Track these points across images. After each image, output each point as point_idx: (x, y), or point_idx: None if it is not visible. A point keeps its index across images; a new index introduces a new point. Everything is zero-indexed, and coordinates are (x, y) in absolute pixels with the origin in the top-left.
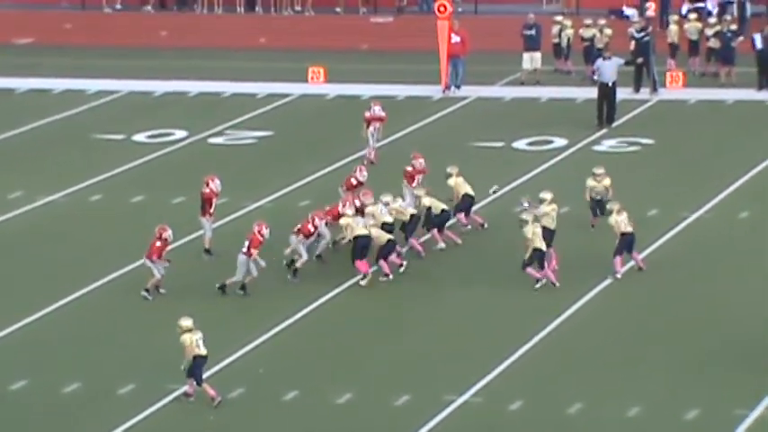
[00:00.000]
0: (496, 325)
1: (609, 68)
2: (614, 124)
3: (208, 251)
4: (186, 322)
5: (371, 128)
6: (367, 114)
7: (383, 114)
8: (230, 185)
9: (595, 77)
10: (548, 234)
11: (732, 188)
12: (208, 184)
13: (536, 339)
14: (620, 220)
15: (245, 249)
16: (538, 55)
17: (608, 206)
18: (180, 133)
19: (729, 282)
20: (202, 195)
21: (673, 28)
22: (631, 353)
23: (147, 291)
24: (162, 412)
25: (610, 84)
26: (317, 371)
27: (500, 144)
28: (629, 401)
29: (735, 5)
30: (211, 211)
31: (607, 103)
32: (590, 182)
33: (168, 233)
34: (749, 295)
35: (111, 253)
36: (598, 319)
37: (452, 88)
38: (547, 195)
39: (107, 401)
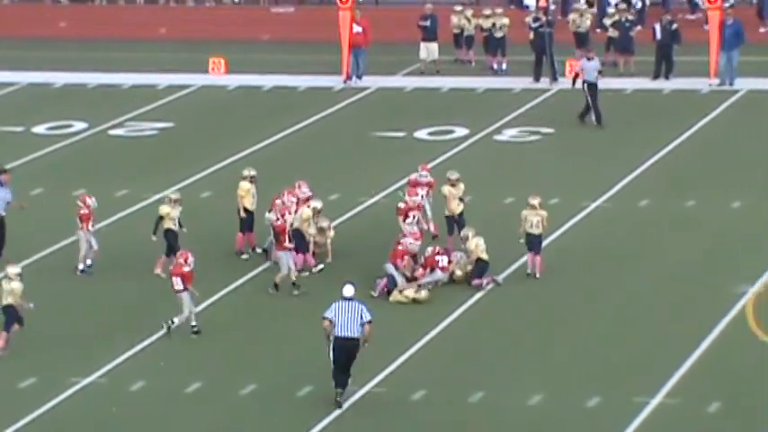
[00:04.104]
0: (400, 317)
1: (593, 68)
2: (514, 115)
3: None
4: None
5: (419, 198)
6: (413, 178)
7: (432, 180)
8: (131, 177)
9: (578, 79)
10: (531, 239)
11: (631, 177)
12: (85, 201)
13: (437, 329)
14: (481, 245)
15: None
16: (434, 46)
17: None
18: (80, 125)
19: (630, 270)
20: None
21: (572, 17)
22: (532, 341)
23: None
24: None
25: (595, 83)
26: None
27: (401, 134)
28: (530, 389)
29: None
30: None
31: (591, 102)
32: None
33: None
34: (650, 284)
35: (10, 246)
36: (499, 308)
37: (354, 79)
38: (534, 201)
39: (7, 396)
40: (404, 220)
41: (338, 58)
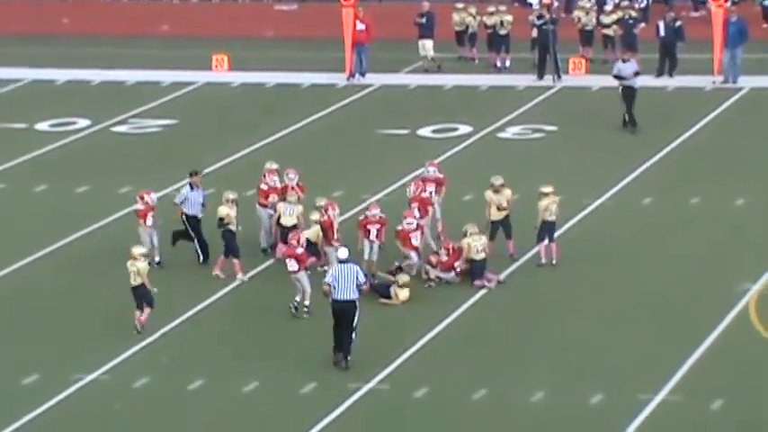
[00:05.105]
0: (403, 314)
1: (629, 70)
2: (515, 115)
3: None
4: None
5: (426, 193)
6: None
7: (440, 176)
8: (134, 174)
9: (618, 82)
10: (547, 226)
11: (634, 175)
12: (143, 198)
13: (440, 327)
14: (473, 245)
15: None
16: (429, 43)
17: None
18: (83, 122)
19: (633, 268)
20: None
21: (577, 14)
22: (535, 338)
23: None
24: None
25: (633, 86)
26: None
27: (405, 131)
28: (533, 386)
29: None
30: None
31: (628, 109)
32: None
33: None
34: (653, 281)
35: (15, 242)
36: (502, 305)
37: (357, 76)
38: (547, 189)
39: (10, 392)
40: (406, 245)
41: (341, 56)
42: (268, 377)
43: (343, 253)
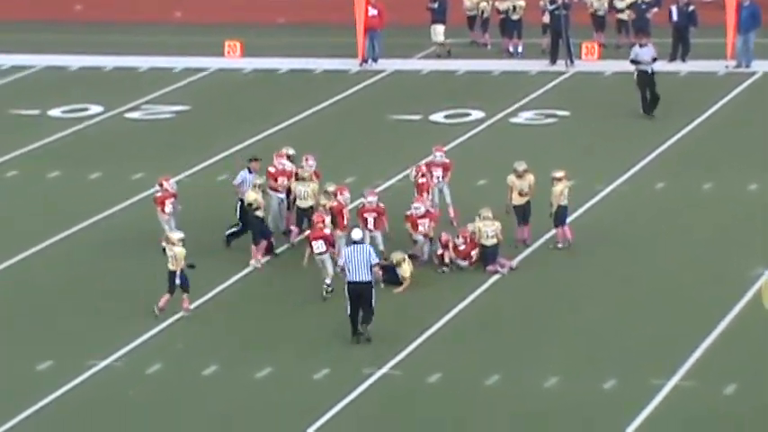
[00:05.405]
0: (417, 299)
1: (646, 55)
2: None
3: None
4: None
5: (435, 178)
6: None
7: (447, 161)
8: (147, 160)
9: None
10: (561, 211)
11: (647, 160)
12: (162, 185)
13: (453, 313)
14: (484, 230)
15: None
16: (441, 28)
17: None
18: (96, 108)
19: (646, 253)
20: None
21: None
22: (548, 324)
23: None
24: (80, 388)
25: (649, 71)
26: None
27: (417, 117)
28: (546, 372)
29: None
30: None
31: (649, 91)
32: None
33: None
34: (665, 266)
35: (28, 229)
36: (515, 291)
37: (369, 61)
38: (559, 174)
39: (25, 378)
40: (414, 229)
41: (354, 41)
42: (282, 363)
43: (356, 234)
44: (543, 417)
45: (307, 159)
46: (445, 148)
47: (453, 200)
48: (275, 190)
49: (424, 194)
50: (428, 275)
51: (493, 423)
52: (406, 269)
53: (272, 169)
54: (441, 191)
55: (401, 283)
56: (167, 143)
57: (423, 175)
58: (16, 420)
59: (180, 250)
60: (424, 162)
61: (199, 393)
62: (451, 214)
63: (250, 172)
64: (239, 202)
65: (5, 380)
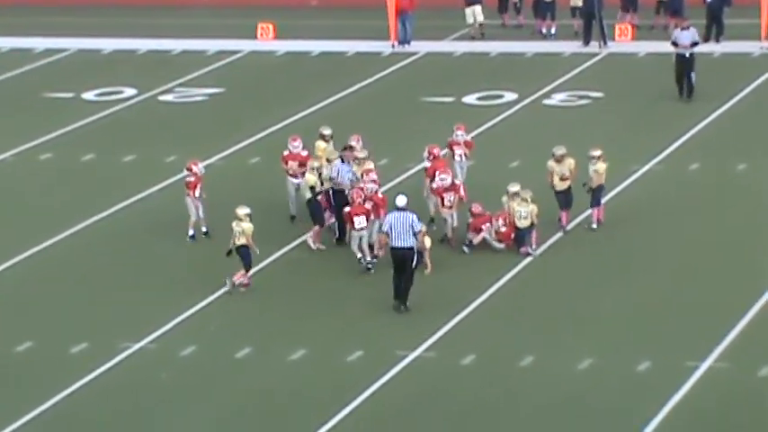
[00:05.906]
0: (451, 281)
1: (686, 39)
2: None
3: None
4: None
5: (457, 156)
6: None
7: (468, 139)
8: (180, 143)
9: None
10: (599, 190)
11: (682, 141)
12: (191, 169)
13: (486, 294)
14: (518, 210)
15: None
16: (478, 8)
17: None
18: (130, 91)
19: (679, 235)
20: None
21: None
22: (582, 305)
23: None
24: (114, 370)
25: (687, 55)
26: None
27: (450, 99)
28: (580, 354)
29: None
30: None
31: (686, 77)
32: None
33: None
34: (699, 248)
35: (62, 212)
36: (548, 272)
37: (402, 43)
38: (597, 152)
39: (59, 361)
40: (441, 204)
41: (386, 24)
42: (315, 345)
43: (400, 200)
44: (577, 398)
45: (354, 139)
46: (464, 126)
47: (485, 181)
48: (293, 176)
49: (446, 167)
50: (461, 258)
51: (527, 405)
52: (427, 240)
53: (285, 152)
54: (462, 169)
55: (421, 261)
56: (201, 126)
57: (435, 158)
58: (50, 403)
59: (248, 226)
60: (448, 142)
61: (232, 376)
62: (461, 192)
63: (343, 161)
64: (332, 195)
65: (40, 362)
